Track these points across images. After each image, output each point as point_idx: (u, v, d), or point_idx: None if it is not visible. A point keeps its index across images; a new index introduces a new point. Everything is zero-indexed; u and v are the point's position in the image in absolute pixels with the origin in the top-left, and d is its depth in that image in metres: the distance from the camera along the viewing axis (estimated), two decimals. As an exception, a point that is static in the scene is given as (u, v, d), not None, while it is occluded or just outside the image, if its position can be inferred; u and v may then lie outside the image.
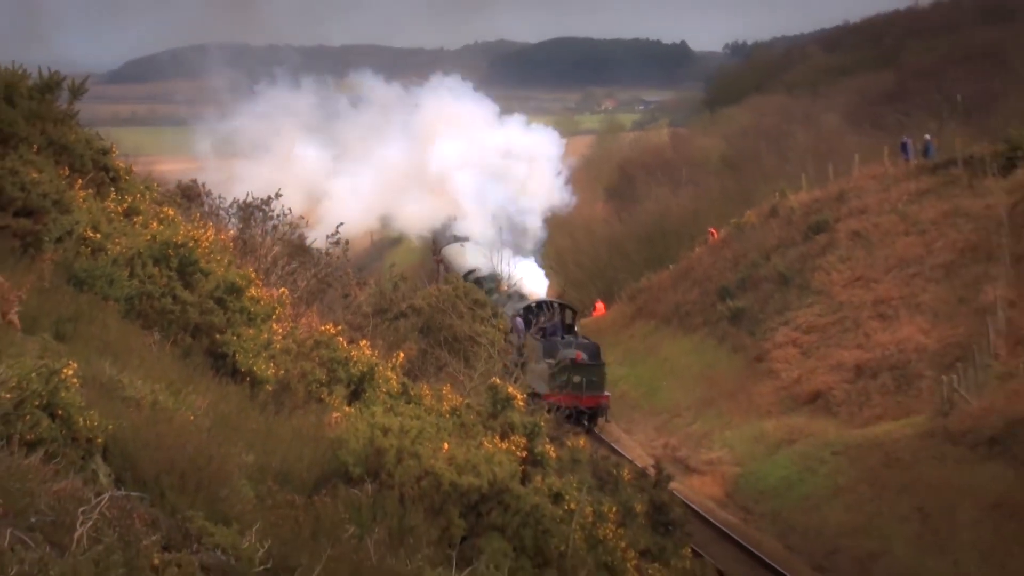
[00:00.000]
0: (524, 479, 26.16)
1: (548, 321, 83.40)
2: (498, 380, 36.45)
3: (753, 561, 50.42)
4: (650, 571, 27.12)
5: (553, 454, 31.58)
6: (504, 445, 27.54)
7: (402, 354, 34.96)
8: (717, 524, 55.66)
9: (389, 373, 30.66)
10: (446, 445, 24.59)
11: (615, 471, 40.76)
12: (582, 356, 75.42)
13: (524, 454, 28.63)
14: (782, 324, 77.04)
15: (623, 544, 28.05)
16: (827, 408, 65.19)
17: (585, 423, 75.29)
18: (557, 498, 26.44)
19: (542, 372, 74.23)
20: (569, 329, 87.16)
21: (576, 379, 74.46)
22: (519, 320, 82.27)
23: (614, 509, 30.66)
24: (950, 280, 71.64)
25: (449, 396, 32.12)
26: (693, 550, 39.38)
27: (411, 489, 22.86)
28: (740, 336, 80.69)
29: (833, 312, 75.35)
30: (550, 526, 24.65)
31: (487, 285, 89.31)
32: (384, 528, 20.64)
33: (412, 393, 30.72)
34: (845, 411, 64.46)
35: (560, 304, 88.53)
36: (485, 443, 26.80)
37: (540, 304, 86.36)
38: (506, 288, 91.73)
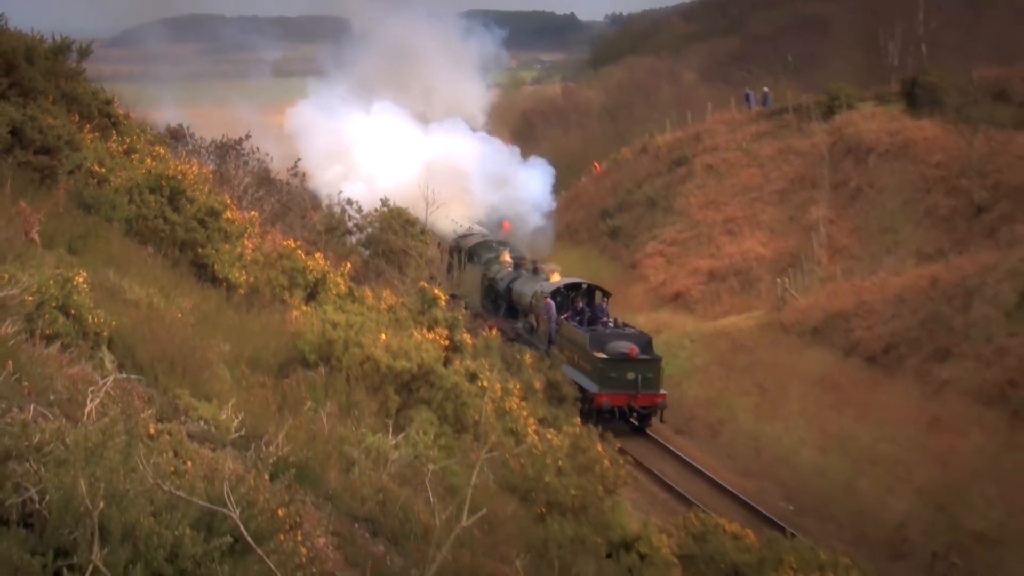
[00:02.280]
0: (446, 362, 26.13)
1: (576, 303, 57.14)
2: (425, 284, 36.54)
3: (627, 427, 50.61)
4: (546, 435, 27.07)
5: (469, 342, 31.61)
6: (430, 335, 27.52)
7: (348, 264, 34.84)
8: (505, 331, 56.64)
9: (338, 279, 30.59)
10: (384, 336, 24.55)
11: (519, 356, 41.41)
12: (636, 351, 51.71)
13: (446, 342, 28.63)
14: (651, 239, 77.49)
15: (525, 414, 28.08)
16: (686, 305, 65.85)
17: (634, 422, 52.45)
18: (472, 377, 26.45)
19: (591, 368, 51.67)
20: (590, 313, 57.52)
21: (630, 376, 51.07)
22: (551, 303, 56.80)
23: (518, 386, 30.72)
24: (783, 203, 72.59)
25: (386, 297, 32.05)
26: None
27: (356, 371, 22.84)
28: (617, 248, 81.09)
29: (691, 229, 75.98)
30: (467, 400, 24.69)
31: (485, 255, 68.32)
32: (334, 402, 20.60)
33: (356, 295, 30.66)
34: (700, 307, 65.25)
35: (590, 286, 60.01)
36: (415, 334, 26.76)
37: (569, 286, 59.15)
38: (510, 259, 66.16)
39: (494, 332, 42.30)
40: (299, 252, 31.03)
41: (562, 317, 55.46)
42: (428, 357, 24.65)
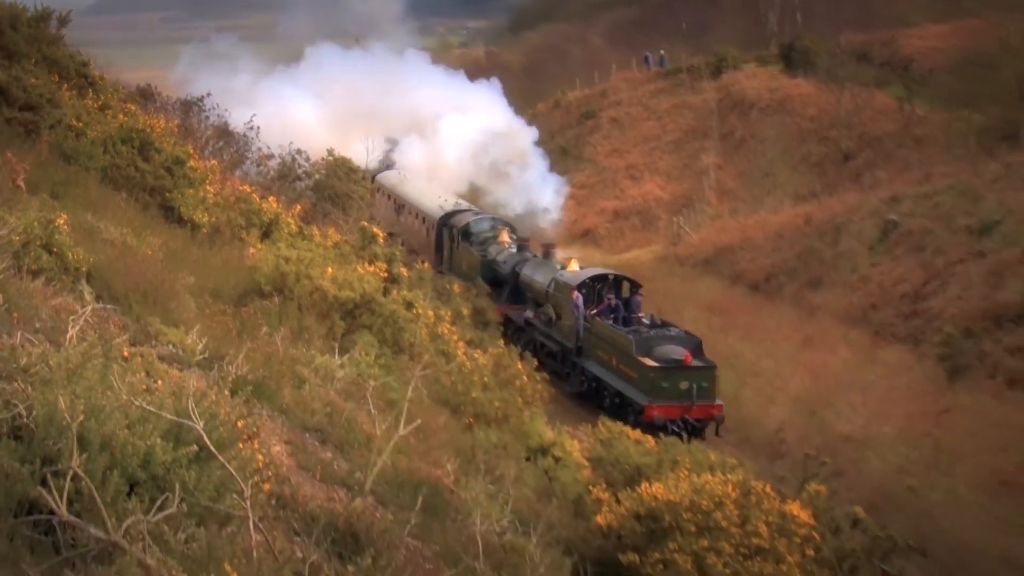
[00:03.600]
0: (385, 292, 26.06)
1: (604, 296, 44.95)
2: (365, 224, 36.46)
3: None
4: (473, 355, 27.13)
5: (406, 274, 31.55)
6: (371, 269, 27.41)
7: (299, 207, 34.60)
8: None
9: (289, 220, 30.42)
10: (330, 269, 24.45)
11: (449, 286, 41.44)
12: (691, 358, 40.58)
13: (385, 275, 28.53)
14: (564, 183, 77.70)
15: (455, 337, 28.09)
16: (595, 241, 65.91)
17: (684, 436, 37.30)
18: (408, 305, 26.42)
19: (639, 376, 40.15)
20: (613, 308, 44.80)
21: (683, 386, 39.87)
22: (579, 297, 44.61)
23: (448, 313, 30.71)
24: (678, 152, 72.85)
25: (332, 236, 31.93)
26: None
27: (306, 300, 22.74)
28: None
29: (598, 174, 76.04)
30: (404, 325, 24.67)
31: (481, 234, 55.31)
32: (287, 328, 20.53)
33: (306, 234, 30.48)
34: (607, 242, 65.37)
35: (617, 277, 47.02)
36: (357, 268, 26.66)
37: (595, 278, 46.45)
38: (509, 241, 53.92)
39: (426, 266, 42.80)
40: (255, 196, 30.91)
41: (591, 312, 43.23)
42: (369, 288, 24.58)
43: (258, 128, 43.85)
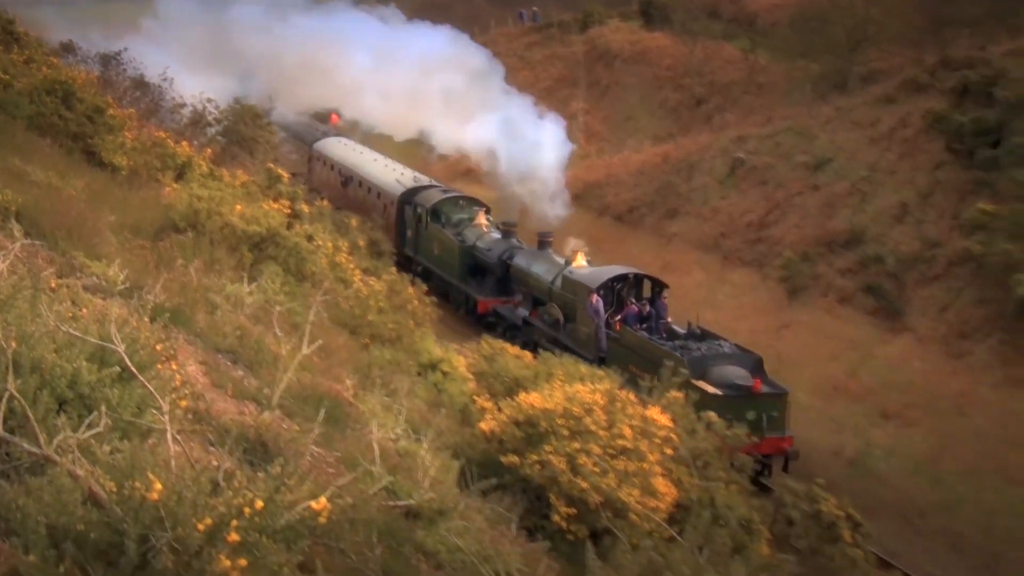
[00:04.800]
0: (289, 226, 25.87)
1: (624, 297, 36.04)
2: (271, 165, 36.14)
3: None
4: (369, 282, 27.06)
5: (307, 210, 31.34)
6: (276, 205, 27.21)
7: (209, 151, 34.18)
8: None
9: (201, 163, 30.06)
10: (239, 206, 24.20)
11: (346, 220, 40.85)
12: (761, 384, 31.14)
13: (288, 211, 28.33)
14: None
15: (352, 266, 27.97)
16: (477, 178, 65.37)
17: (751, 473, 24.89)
18: (310, 238, 26.25)
19: (697, 406, 24.62)
20: (645, 316, 35.15)
21: (751, 416, 29.36)
22: (599, 301, 35.20)
23: (346, 244, 30.56)
24: (551, 98, 72.32)
25: (240, 176, 31.57)
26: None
27: (217, 235, 22.49)
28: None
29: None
30: (306, 255, 24.51)
31: (454, 215, 46.17)
32: (200, 260, 20.31)
33: (216, 175, 30.12)
34: (488, 179, 64.83)
35: (638, 276, 37.37)
36: (263, 205, 26.45)
37: (616, 278, 36.80)
38: (487, 224, 44.71)
39: (326, 203, 39.88)
40: (169, 141, 30.56)
41: (616, 320, 34.36)
42: (274, 222, 24.37)
43: (171, 79, 43.07)
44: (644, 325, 34.15)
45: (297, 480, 9.10)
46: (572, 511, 16.18)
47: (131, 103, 38.16)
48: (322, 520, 8.73)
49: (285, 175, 34.18)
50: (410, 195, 48.21)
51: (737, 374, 30.51)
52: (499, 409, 18.34)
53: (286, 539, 8.26)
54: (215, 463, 9.68)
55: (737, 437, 22.29)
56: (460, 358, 23.32)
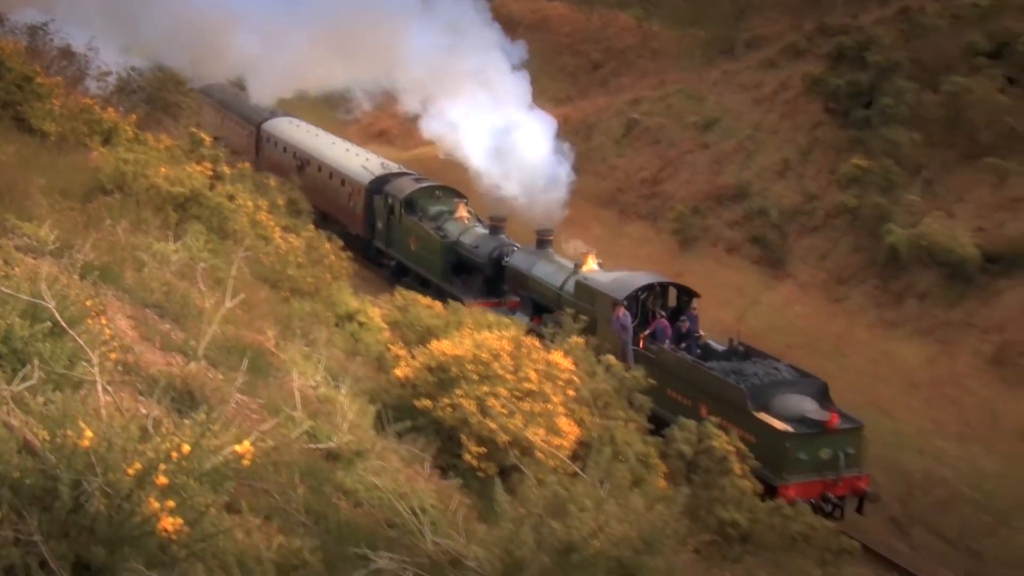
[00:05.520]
0: (211, 187, 25.57)
1: (654, 305, 30.37)
2: (193, 129, 35.65)
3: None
4: (288, 239, 26.87)
5: (228, 171, 30.99)
6: (198, 168, 26.88)
7: (134, 116, 33.64)
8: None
9: (127, 127, 29.61)
10: (163, 169, 23.90)
11: (267, 180, 40.08)
12: (838, 418, 25.12)
13: (211, 172, 27.99)
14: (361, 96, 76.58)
15: (272, 223, 27.74)
16: (389, 140, 65.05)
17: (824, 507, 24.63)
18: (231, 198, 25.98)
19: (764, 443, 24.21)
20: (684, 332, 29.32)
21: (825, 454, 24.94)
22: (626, 316, 29.11)
23: (266, 203, 30.29)
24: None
25: (164, 141, 31.12)
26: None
27: (143, 196, 22.21)
28: (333, 101, 79.89)
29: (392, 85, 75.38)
30: (228, 214, 24.26)
31: (431, 207, 40.15)
32: (128, 220, 20.05)
33: (141, 139, 29.70)
34: (399, 141, 64.49)
35: (663, 284, 31.35)
36: (187, 167, 26.13)
37: (643, 287, 30.62)
38: (469, 217, 38.76)
39: (247, 165, 35.86)
40: (96, 108, 30.07)
41: (643, 335, 28.83)
42: (197, 184, 24.09)
43: (98, 48, 42.25)
44: (683, 344, 28.51)
45: (222, 426, 9.08)
46: (482, 450, 16.26)
47: (58, 71, 37.45)
48: (246, 463, 8.71)
49: (207, 139, 33.76)
50: (379, 183, 42.60)
51: (805, 405, 25.33)
52: (413, 356, 18.38)
53: (212, 481, 8.25)
54: (144, 411, 9.63)
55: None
56: (375, 309, 23.29)
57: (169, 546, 7.53)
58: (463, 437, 16.45)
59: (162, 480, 7.53)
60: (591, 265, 32.24)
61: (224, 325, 14.62)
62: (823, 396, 25.96)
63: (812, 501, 23.73)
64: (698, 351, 28.30)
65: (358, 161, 45.40)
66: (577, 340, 21.83)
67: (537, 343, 19.00)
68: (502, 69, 41.47)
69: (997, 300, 34.44)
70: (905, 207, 38.22)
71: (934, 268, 35.94)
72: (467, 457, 16.20)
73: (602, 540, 10.35)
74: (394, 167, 44.45)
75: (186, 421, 8.97)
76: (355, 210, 43.64)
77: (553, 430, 16.93)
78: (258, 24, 44.70)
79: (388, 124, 67.06)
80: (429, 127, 42.76)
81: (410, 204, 40.22)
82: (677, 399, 26.50)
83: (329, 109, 56.29)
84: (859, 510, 25.34)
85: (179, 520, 7.51)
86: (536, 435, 16.44)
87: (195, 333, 14.00)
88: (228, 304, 13.59)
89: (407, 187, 41.21)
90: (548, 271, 33.18)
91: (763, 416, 24.79)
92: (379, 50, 40.14)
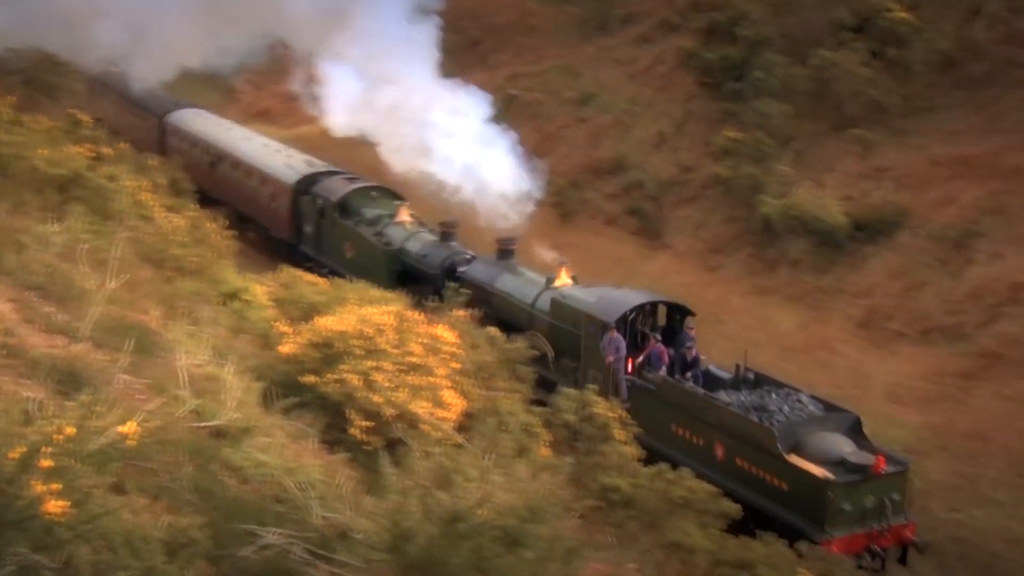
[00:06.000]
0: (92, 168, 25.12)
1: (644, 328, 26.38)
2: (73, 111, 34.97)
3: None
4: (171, 218, 26.48)
5: (110, 152, 30.46)
6: (79, 149, 26.41)
7: (13, 98, 32.91)
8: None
9: (4, 109, 28.93)
10: (44, 151, 23.44)
11: (150, 162, 39.02)
12: (884, 461, 20.70)
13: (92, 154, 27.51)
14: (242, 71, 75.45)
15: (154, 203, 27.32)
16: (271, 119, 64.11)
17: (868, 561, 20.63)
18: (113, 178, 25.53)
19: (799, 490, 20.72)
20: (690, 361, 25.35)
21: (869, 502, 20.63)
22: (619, 339, 25.17)
23: (148, 183, 29.81)
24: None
25: (44, 122, 30.45)
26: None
27: (23, 178, 21.79)
28: (217, 81, 78.67)
29: (275, 62, 74.43)
30: (109, 195, 23.87)
31: (369, 210, 35.80)
32: (8, 203, 19.67)
33: (21, 121, 29.06)
34: (281, 120, 63.65)
35: (653, 303, 27.09)
36: (69, 149, 25.65)
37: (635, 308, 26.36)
38: (412, 221, 34.65)
39: (126, 145, 32.60)
40: (-31, 91, 29.39)
41: (638, 362, 25.40)
42: (78, 165, 23.70)
43: None
44: (689, 373, 24.95)
45: (107, 406, 8.97)
46: (368, 424, 16.25)
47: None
48: (131, 443, 8.64)
49: (87, 120, 33.05)
50: (306, 183, 38.42)
51: (842, 445, 21.39)
52: (297, 333, 18.29)
53: (98, 463, 8.16)
54: (28, 394, 9.47)
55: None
56: (260, 287, 23.08)
57: (55, 528, 7.44)
58: (349, 412, 16.42)
59: (46, 463, 7.43)
60: (564, 279, 28.45)
61: (108, 305, 14.43)
62: (857, 432, 21.99)
63: (857, 554, 20.45)
64: (692, 378, 24.82)
65: (279, 158, 41.42)
66: (459, 313, 21.84)
67: (421, 317, 19.01)
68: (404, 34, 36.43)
69: (864, 266, 35.25)
70: (777, 178, 38.87)
71: (805, 236, 36.64)
72: (353, 431, 16.17)
73: (488, 509, 10.42)
74: (321, 165, 40.24)
75: (70, 403, 8.85)
76: (279, 212, 39.35)
77: (438, 403, 16.98)
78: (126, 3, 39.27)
79: (270, 103, 66.29)
80: (332, 103, 38.12)
81: (344, 207, 36.11)
82: (685, 437, 23.11)
83: (210, 90, 54.69)
84: (902, 560, 21.60)
85: (64, 502, 7.42)
86: (421, 408, 16.48)
87: (78, 314, 13.80)
88: (111, 284, 13.42)
89: (340, 188, 36.99)
90: (514, 285, 29.09)
91: (797, 460, 20.98)
92: (263, 13, 35.76)
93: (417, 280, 32.05)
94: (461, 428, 16.84)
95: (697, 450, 22.61)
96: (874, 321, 33.48)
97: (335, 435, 16.14)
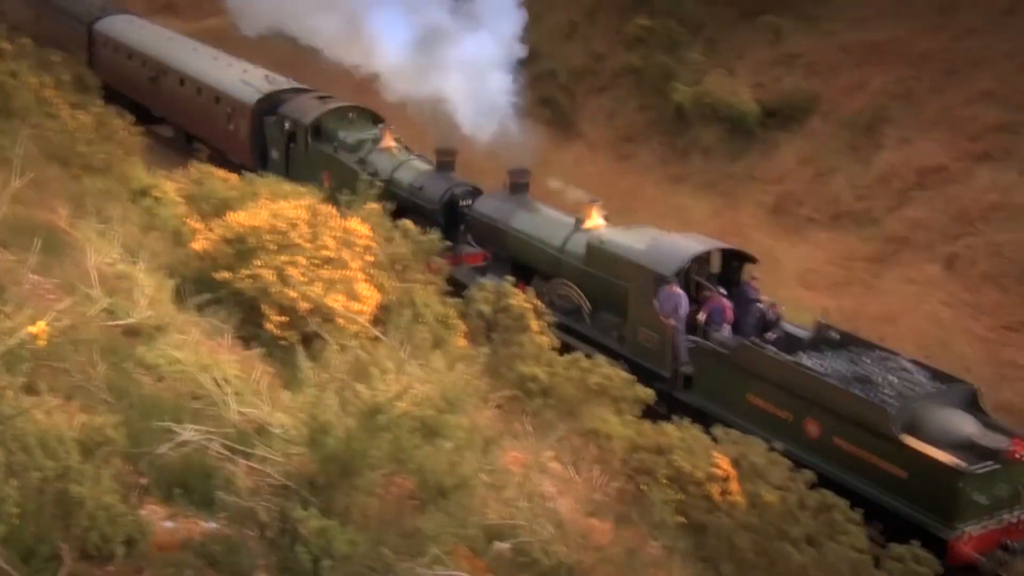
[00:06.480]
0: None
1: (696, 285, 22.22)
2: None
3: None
4: (77, 115, 25.91)
5: (9, 48, 29.62)
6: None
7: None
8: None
9: None
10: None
11: (53, 57, 37.53)
12: (1022, 445, 16.85)
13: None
14: None
15: (59, 100, 26.71)
16: (175, 12, 62.24)
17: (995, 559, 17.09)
18: (14, 75, 24.82)
19: (919, 480, 17.19)
20: (771, 320, 21.31)
21: (1001, 491, 17.08)
22: (680, 295, 21.28)
23: (52, 80, 29.09)
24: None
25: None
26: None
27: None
28: None
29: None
30: (11, 92, 23.33)
31: (349, 135, 31.27)
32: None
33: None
34: (187, 12, 61.64)
35: (719, 251, 23.10)
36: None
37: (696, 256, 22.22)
38: (398, 147, 30.49)
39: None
40: None
41: (700, 317, 21.52)
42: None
43: None
44: (771, 334, 21.18)
45: (15, 307, 8.84)
46: (284, 319, 16.23)
47: None
48: (42, 343, 8.53)
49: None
50: (270, 103, 34.10)
51: (964, 425, 18.17)
52: (210, 229, 18.12)
53: (7, 364, 8.06)
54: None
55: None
56: (170, 183, 22.76)
57: (-34, 430, 7.36)
58: (264, 307, 16.38)
59: (-46, 366, 7.33)
60: (596, 220, 24.68)
61: (13, 205, 14.17)
62: (974, 406, 18.75)
63: (989, 552, 17.49)
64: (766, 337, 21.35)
65: (233, 73, 36.75)
66: (372, 206, 21.69)
67: (333, 211, 18.89)
68: None
69: (775, 152, 35.52)
70: (688, 65, 38.86)
71: (717, 124, 36.79)
72: (269, 326, 16.15)
73: (405, 401, 10.48)
74: (283, 81, 35.79)
75: (-24, 305, 8.72)
76: (238, 135, 35.03)
77: (353, 296, 16.97)
78: None
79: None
80: None
81: (318, 130, 31.91)
82: (767, 409, 19.72)
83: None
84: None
85: (-25, 404, 7.34)
86: (336, 301, 16.46)
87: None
88: (16, 183, 13.15)
89: (312, 109, 32.65)
90: (535, 225, 25.54)
91: (916, 444, 17.74)
92: None
93: (408, 215, 26.46)
94: (377, 321, 16.87)
95: (782, 425, 19.16)
96: (785, 207, 33.83)
97: (251, 331, 16.11)
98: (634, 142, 39.19)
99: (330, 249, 17.47)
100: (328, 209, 18.71)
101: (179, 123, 38.05)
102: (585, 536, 12.03)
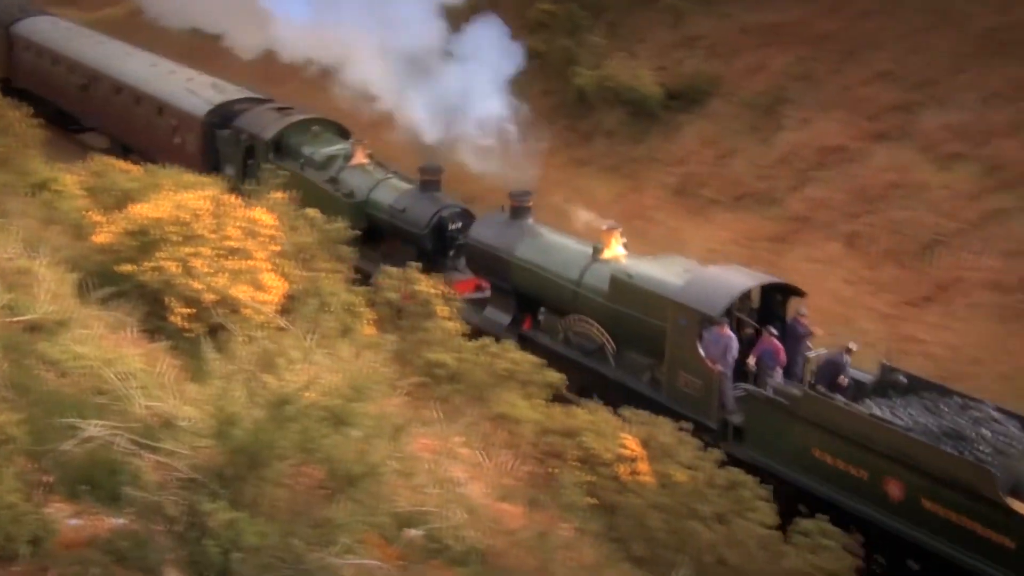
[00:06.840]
0: None
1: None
2: None
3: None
4: None
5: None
6: None
7: None
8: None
9: None
10: None
11: None
12: None
13: None
14: None
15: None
16: (72, 1, 61.02)
17: None
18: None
19: None
20: (836, 363, 18.70)
21: None
22: (730, 337, 19.07)
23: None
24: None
25: None
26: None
27: None
28: None
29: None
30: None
31: (315, 149, 28.74)
32: None
33: None
34: (84, 3, 60.61)
35: (766, 285, 20.62)
36: None
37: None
38: (372, 166, 27.92)
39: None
40: None
41: (750, 361, 19.34)
42: None
43: None
44: (845, 379, 18.77)
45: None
46: (189, 311, 16.05)
47: None
48: (-61, 341, 8.40)
49: None
50: (222, 115, 31.44)
51: None
52: (112, 222, 17.90)
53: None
54: None
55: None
56: (70, 176, 22.43)
57: None
58: (168, 299, 16.20)
59: None
60: (616, 249, 22.32)
61: None
62: None
63: None
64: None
65: (177, 81, 34.16)
66: (278, 195, 21.52)
67: (237, 201, 18.72)
68: None
69: (678, 135, 35.85)
70: (590, 49, 39.04)
71: (619, 107, 37.05)
72: (174, 319, 15.97)
73: (313, 391, 10.47)
74: (232, 90, 33.26)
75: None
76: (185, 149, 31.91)
77: (258, 286, 16.85)
78: None
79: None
80: None
81: (279, 146, 29.35)
82: (839, 467, 17.42)
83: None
84: None
85: None
86: (242, 292, 16.35)
87: None
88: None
89: (272, 122, 29.98)
90: (544, 254, 23.14)
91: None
92: None
93: (386, 238, 26.72)
94: (283, 311, 16.78)
95: (857, 484, 17.16)
96: (688, 188, 34.17)
97: (155, 323, 15.93)
98: (538, 127, 39.30)
99: (235, 239, 17.33)
100: (232, 199, 18.55)
101: (115, 134, 35.43)
102: (496, 520, 12.11)
